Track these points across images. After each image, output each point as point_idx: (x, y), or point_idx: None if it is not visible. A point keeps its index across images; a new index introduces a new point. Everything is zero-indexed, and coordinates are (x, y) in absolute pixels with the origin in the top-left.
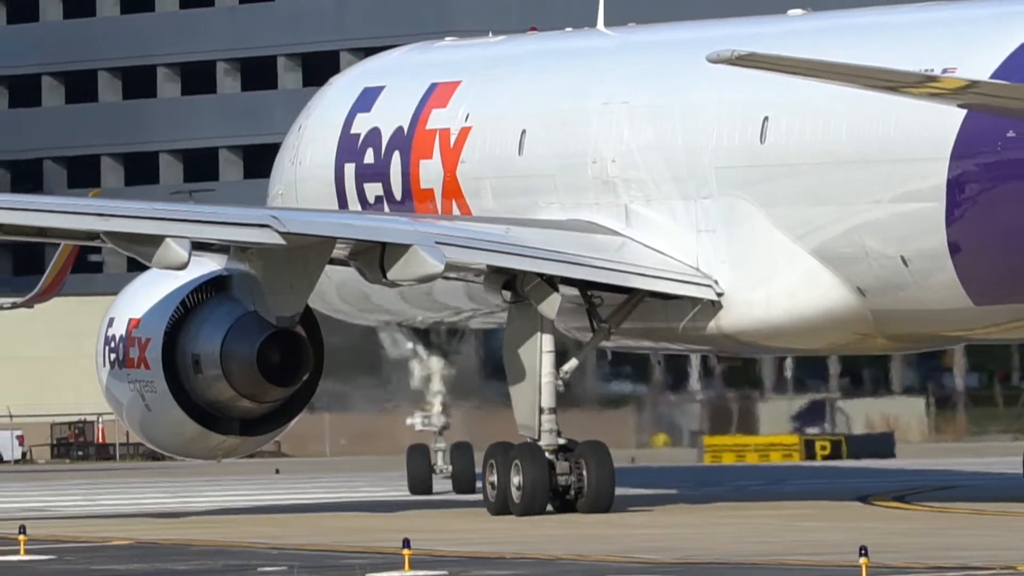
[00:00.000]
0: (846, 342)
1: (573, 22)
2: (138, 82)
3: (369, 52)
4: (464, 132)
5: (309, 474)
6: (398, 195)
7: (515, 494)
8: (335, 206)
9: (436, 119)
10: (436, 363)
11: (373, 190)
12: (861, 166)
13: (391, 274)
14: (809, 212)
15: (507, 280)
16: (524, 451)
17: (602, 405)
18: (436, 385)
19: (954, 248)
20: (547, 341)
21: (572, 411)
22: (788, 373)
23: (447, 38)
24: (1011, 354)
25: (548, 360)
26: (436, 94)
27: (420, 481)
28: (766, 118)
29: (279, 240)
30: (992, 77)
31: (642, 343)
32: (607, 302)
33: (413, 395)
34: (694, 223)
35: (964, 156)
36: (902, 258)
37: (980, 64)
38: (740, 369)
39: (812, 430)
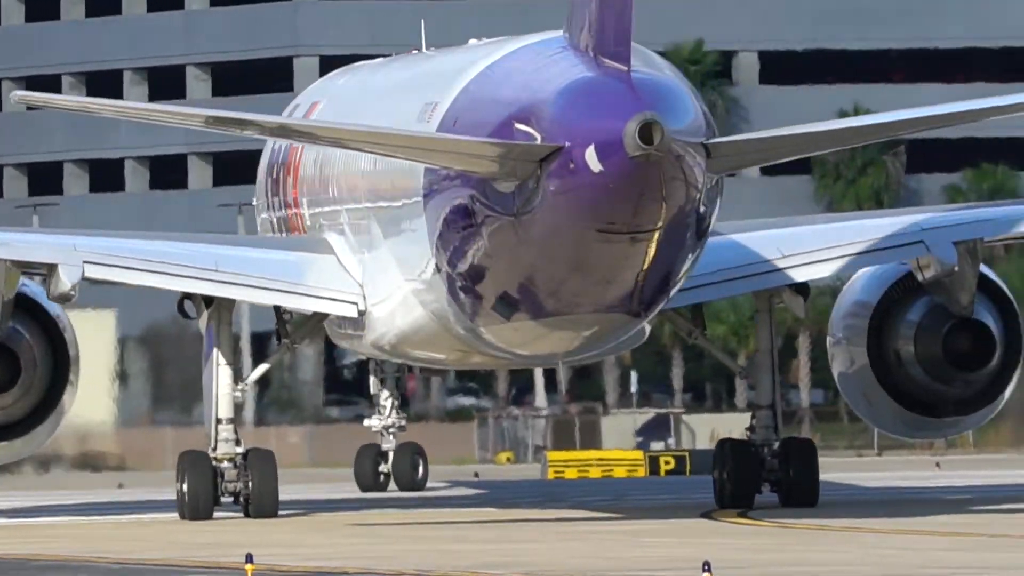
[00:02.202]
0: (455, 357)
1: (418, 42)
2: None
3: (216, 68)
4: (294, 151)
5: (153, 487)
6: (283, 204)
7: (184, 500)
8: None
9: None
10: (389, 368)
11: (275, 200)
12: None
13: (51, 292)
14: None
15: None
16: (191, 459)
17: (447, 419)
18: (389, 389)
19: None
20: (223, 355)
21: (418, 425)
22: (633, 388)
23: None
24: None
25: (223, 373)
26: (308, 113)
27: (367, 480)
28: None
29: None
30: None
31: (360, 353)
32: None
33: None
34: (359, 245)
35: (429, 195)
36: None
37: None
38: (584, 384)
39: (656, 445)
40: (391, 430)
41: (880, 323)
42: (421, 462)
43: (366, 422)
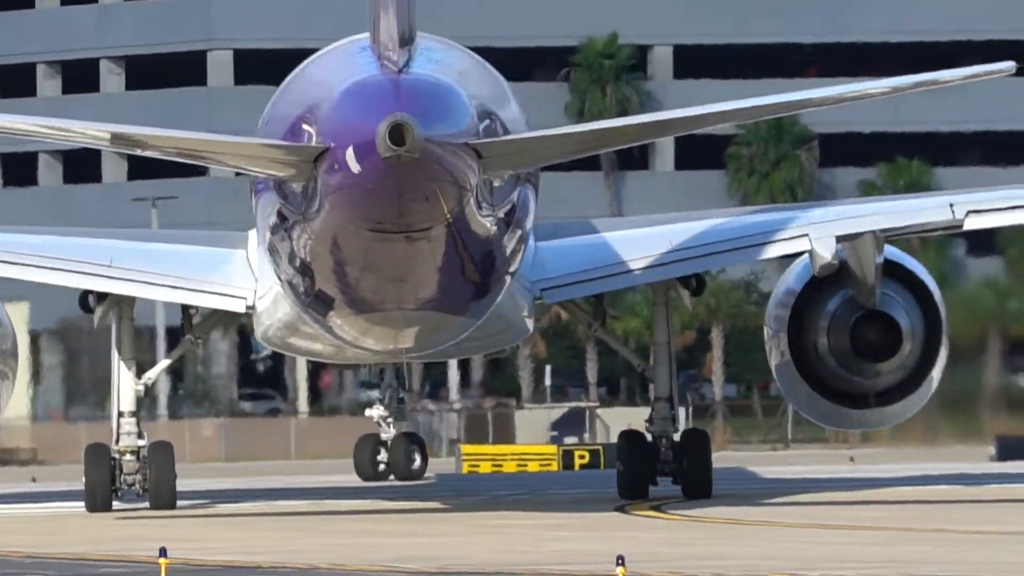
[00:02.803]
0: (331, 351)
1: (331, 35)
2: None
3: (130, 61)
4: None
5: (67, 481)
6: None
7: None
8: None
9: None
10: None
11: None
12: None
13: None
14: None
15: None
16: (93, 453)
17: (361, 413)
18: (388, 380)
19: None
20: (124, 349)
21: (332, 418)
22: (547, 382)
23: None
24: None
25: (123, 367)
26: None
27: (366, 469)
28: None
29: None
30: None
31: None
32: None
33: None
34: (258, 240)
35: (256, 194)
36: None
37: None
38: (498, 378)
39: (570, 439)
40: (388, 420)
41: (800, 315)
42: (418, 452)
43: (367, 412)
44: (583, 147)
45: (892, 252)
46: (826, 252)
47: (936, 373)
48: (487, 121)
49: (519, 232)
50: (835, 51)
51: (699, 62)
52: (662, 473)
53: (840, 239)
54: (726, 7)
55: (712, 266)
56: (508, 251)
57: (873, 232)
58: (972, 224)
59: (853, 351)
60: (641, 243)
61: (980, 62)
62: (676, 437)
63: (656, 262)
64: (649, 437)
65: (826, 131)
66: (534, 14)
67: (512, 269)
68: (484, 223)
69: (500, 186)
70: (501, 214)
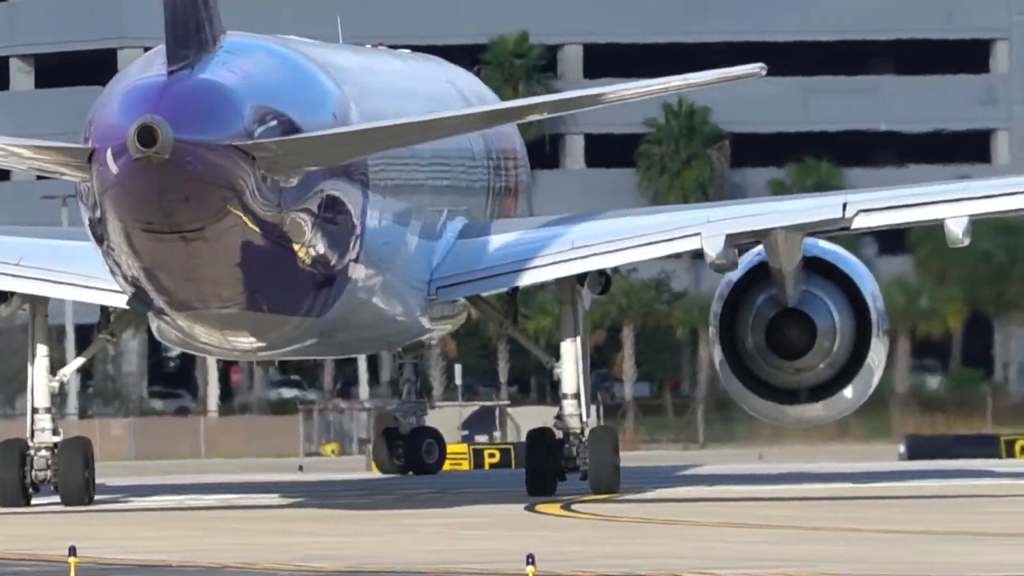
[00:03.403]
0: (214, 348)
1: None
2: None
3: (40, 59)
4: None
5: None
6: None
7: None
8: None
9: None
10: (407, 355)
11: None
12: None
13: None
14: None
15: None
16: (5, 449)
17: (271, 412)
18: (408, 375)
19: None
20: (38, 346)
21: (242, 417)
22: (458, 381)
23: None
24: (681, 364)
25: (39, 364)
26: None
27: (385, 463)
28: None
29: None
30: None
31: None
32: None
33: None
34: None
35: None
36: None
37: None
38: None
39: (481, 438)
40: (406, 414)
41: (734, 311)
42: (436, 447)
43: (389, 407)
44: (367, 147)
45: (826, 250)
46: (712, 250)
47: (875, 368)
48: (272, 123)
49: (340, 231)
50: (745, 50)
51: (609, 61)
52: (570, 470)
53: (730, 238)
54: (636, 6)
55: (608, 264)
56: (322, 249)
57: (781, 229)
58: (860, 223)
59: (769, 348)
60: (546, 241)
61: (890, 62)
62: (584, 434)
63: (554, 260)
64: (559, 434)
65: (738, 130)
66: (444, 13)
67: (338, 266)
68: (274, 223)
69: (294, 186)
70: (303, 213)
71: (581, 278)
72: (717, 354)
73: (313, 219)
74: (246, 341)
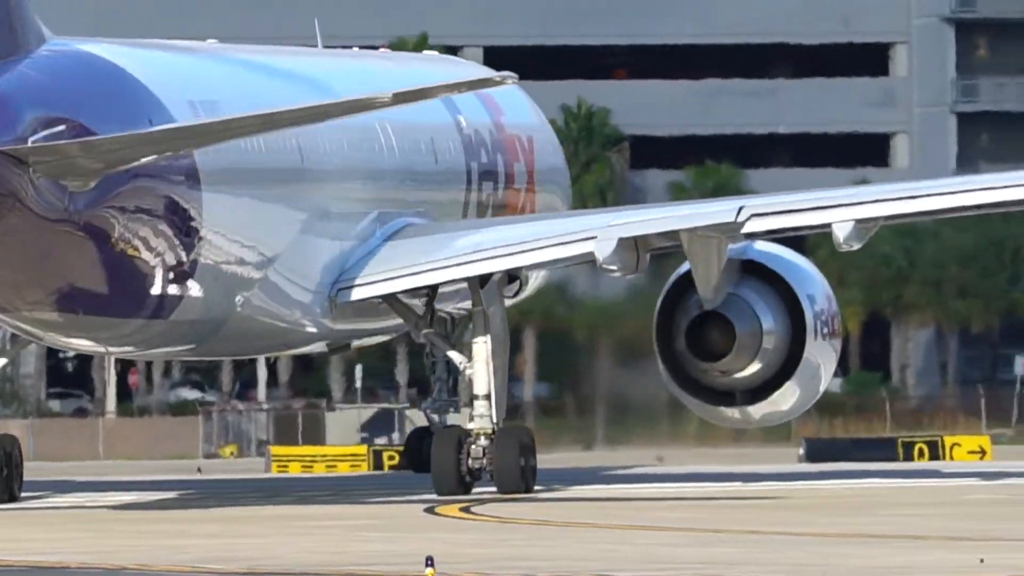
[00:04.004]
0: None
1: (140, 31)
2: None
3: None
4: None
5: None
6: None
7: None
8: None
9: None
10: (439, 352)
11: None
12: None
13: None
14: None
15: None
16: None
17: (170, 413)
18: (440, 374)
19: None
20: None
21: (141, 419)
22: (358, 383)
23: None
24: (580, 366)
25: None
26: None
27: (418, 461)
28: None
29: None
30: None
31: None
32: None
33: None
34: None
35: None
36: None
37: None
38: (309, 379)
39: (380, 440)
40: (437, 412)
41: (670, 312)
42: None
43: (422, 405)
44: (151, 149)
45: (762, 252)
46: (601, 253)
47: (818, 369)
48: (58, 128)
49: (170, 232)
50: (645, 53)
51: (509, 63)
52: (482, 470)
53: (623, 240)
54: (535, 8)
55: (506, 267)
56: (142, 251)
57: (684, 231)
58: (752, 227)
59: (690, 351)
60: (452, 244)
61: (790, 65)
62: (491, 435)
63: (455, 263)
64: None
65: (637, 132)
66: (344, 14)
67: (171, 268)
68: (64, 227)
69: (91, 189)
70: (107, 216)
71: (483, 280)
72: (657, 356)
73: (123, 222)
74: (78, 343)
